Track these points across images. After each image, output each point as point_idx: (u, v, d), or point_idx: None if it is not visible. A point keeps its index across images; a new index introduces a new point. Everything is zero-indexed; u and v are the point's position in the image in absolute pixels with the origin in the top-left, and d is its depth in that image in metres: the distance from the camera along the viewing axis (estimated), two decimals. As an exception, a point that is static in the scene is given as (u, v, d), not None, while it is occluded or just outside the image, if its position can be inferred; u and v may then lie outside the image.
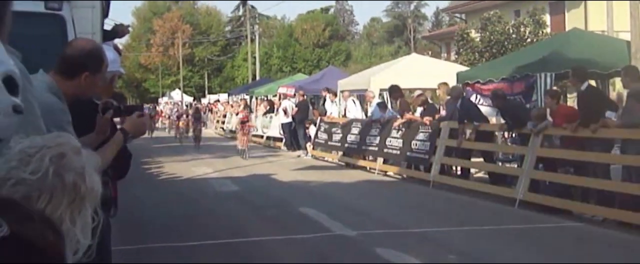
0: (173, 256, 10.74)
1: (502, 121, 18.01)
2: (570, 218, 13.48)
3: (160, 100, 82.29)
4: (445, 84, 20.37)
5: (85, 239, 2.05)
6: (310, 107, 30.72)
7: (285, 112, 31.23)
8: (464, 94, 19.07)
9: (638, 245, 11.07)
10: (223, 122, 48.27)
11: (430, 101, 21.41)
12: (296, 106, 30.74)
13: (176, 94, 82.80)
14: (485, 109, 19.43)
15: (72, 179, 2.07)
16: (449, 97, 19.52)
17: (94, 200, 2.12)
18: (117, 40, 10.13)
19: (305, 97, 31.45)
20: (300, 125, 29.75)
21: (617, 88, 21.92)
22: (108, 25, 10.32)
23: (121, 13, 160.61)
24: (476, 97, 19.79)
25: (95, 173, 2.15)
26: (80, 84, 4.39)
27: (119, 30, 9.74)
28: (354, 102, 26.63)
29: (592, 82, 16.07)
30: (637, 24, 18.31)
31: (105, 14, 10.66)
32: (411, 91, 25.16)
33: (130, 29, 10.59)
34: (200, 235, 12.16)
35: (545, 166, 15.25)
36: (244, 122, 29.68)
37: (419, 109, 20.58)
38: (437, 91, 21.99)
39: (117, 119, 4.96)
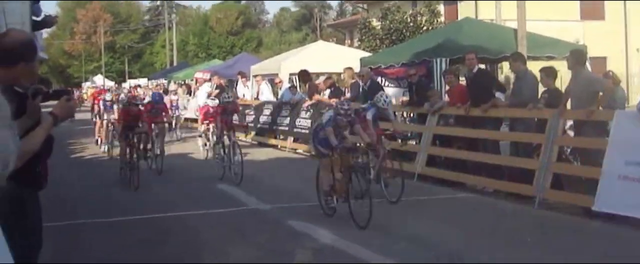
0: (99, 231, 10.57)
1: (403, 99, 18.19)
2: (464, 189, 13.68)
3: (83, 85, 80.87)
4: (350, 68, 20.40)
5: (5, 152, 2.05)
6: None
7: (209, 95, 30.86)
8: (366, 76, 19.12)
9: (525, 213, 11.27)
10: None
11: (336, 85, 21.41)
12: (216, 89, 30.43)
13: (98, 79, 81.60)
14: (390, 90, 19.58)
15: None
16: (353, 80, 19.57)
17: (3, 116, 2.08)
18: (45, 30, 10.03)
19: (222, 81, 31.18)
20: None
21: (505, 71, 22.29)
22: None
23: (46, 3, 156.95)
24: (381, 80, 19.90)
25: None
26: (15, 72, 4.35)
27: (48, 21, 9.70)
28: (267, 86, 26.56)
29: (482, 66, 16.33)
30: (523, 13, 18.65)
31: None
32: (318, 75, 25.19)
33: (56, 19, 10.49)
34: (123, 211, 11.98)
35: (441, 143, 15.44)
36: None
37: (327, 92, 20.57)
38: (342, 75, 22.02)
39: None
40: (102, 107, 23.13)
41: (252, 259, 8.69)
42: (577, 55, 12.40)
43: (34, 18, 11.85)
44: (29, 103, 4.46)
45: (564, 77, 14.26)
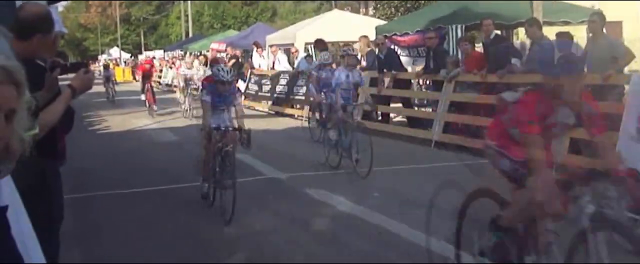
0: (118, 203, 10.61)
1: (417, 69, 18.13)
2: (481, 155, 13.62)
3: (99, 57, 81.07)
4: (366, 37, 20.34)
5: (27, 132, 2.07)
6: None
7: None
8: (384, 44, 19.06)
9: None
10: (159, 77, 46.44)
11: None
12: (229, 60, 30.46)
13: (114, 52, 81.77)
14: (403, 59, 19.52)
15: None
16: (368, 49, 19.51)
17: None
18: (60, 3, 9.98)
19: (237, 52, 31.15)
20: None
21: (521, 37, 22.14)
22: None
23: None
24: (395, 49, 19.84)
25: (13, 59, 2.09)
26: (32, 45, 4.38)
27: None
28: (283, 55, 26.55)
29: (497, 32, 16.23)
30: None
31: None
32: (334, 44, 25.13)
33: None
34: (141, 182, 12.01)
35: (458, 110, 15.40)
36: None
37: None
38: (358, 43, 21.96)
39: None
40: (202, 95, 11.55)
41: (271, 227, 8.72)
42: (601, 19, 12.29)
43: (50, -9, 11.89)
44: (47, 76, 4.48)
45: (579, 43, 14.14)
